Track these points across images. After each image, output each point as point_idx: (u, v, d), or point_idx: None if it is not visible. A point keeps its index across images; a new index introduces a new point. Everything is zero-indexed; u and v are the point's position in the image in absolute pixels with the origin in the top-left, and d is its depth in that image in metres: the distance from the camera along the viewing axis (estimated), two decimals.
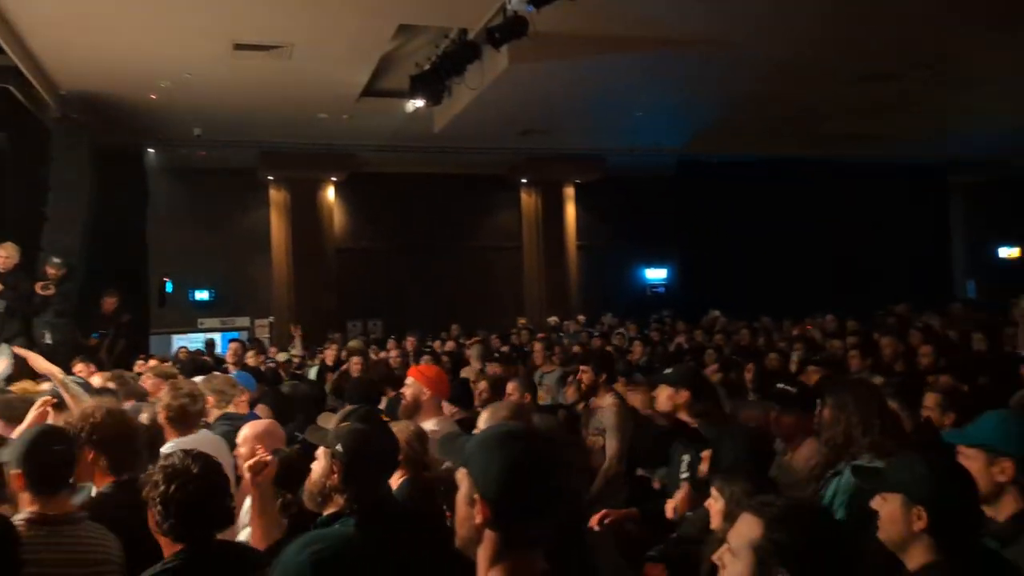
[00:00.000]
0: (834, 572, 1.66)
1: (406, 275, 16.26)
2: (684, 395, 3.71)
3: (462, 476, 1.66)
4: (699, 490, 3.12)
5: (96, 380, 5.66)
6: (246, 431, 3.41)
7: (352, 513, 2.49)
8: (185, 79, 10.20)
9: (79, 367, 6.68)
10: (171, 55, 9.39)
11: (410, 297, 15.94)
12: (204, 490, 2.36)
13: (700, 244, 16.35)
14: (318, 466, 2.60)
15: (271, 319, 15.53)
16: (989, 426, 2.53)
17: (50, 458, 2.53)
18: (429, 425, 3.87)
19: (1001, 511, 2.38)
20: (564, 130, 13.32)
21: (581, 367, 5.59)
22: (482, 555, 1.61)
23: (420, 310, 15.29)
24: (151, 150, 13.80)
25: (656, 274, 18.20)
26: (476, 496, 1.61)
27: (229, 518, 2.50)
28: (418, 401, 4.16)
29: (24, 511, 2.51)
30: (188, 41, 8.98)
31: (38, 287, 9.02)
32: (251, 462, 2.87)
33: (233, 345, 8.79)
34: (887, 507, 2.12)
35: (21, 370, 7.66)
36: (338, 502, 2.52)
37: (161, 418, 3.83)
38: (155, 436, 3.71)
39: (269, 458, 2.89)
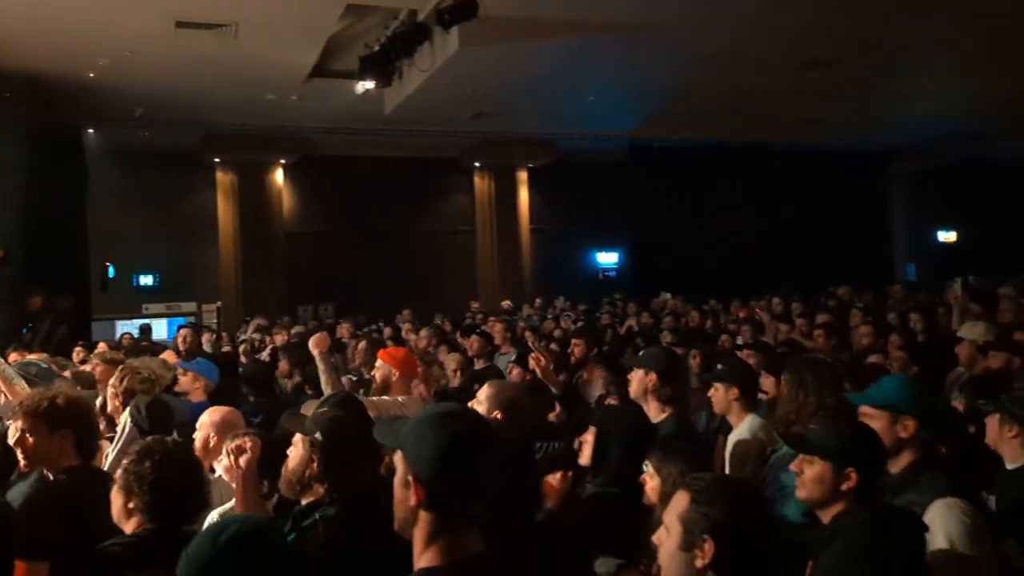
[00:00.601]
0: (758, 542, 1.73)
1: (358, 259, 16.10)
2: (652, 379, 3.65)
3: (398, 459, 1.66)
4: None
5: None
6: (205, 417, 3.35)
7: (332, 502, 2.45)
8: (125, 57, 9.90)
9: (13, 356, 6.48)
10: (110, 32, 9.10)
11: (363, 281, 15.79)
12: (183, 471, 2.34)
13: (650, 228, 16.54)
14: (296, 453, 2.55)
15: (219, 304, 15.26)
16: (890, 388, 2.85)
17: None
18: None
19: (896, 464, 2.67)
20: (516, 113, 13.29)
21: (573, 340, 5.72)
22: (418, 536, 1.61)
23: (373, 294, 15.18)
24: (91, 130, 13.41)
25: (608, 258, 18.34)
26: (410, 478, 1.61)
27: (205, 502, 2.45)
28: (387, 382, 4.24)
29: None
30: (128, 17, 8.70)
31: None
32: (232, 445, 2.80)
33: (183, 331, 8.36)
34: (813, 469, 2.31)
35: None
36: (317, 491, 2.48)
37: (116, 403, 3.74)
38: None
39: (250, 442, 2.80)
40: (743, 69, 11.03)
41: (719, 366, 4.14)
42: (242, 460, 2.75)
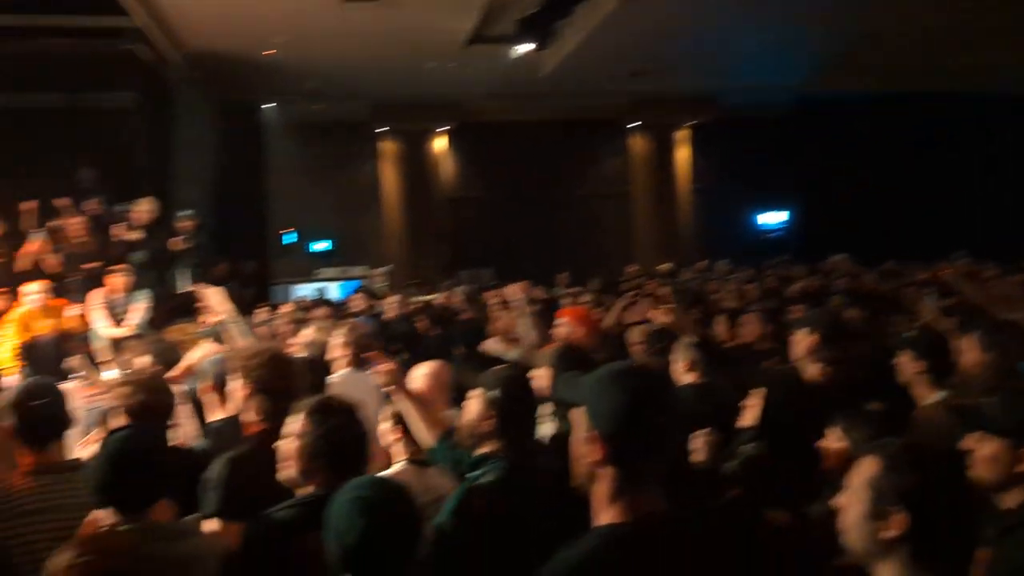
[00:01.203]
0: (955, 515, 1.55)
1: (515, 224, 16.26)
2: (814, 339, 3.47)
3: (579, 415, 1.64)
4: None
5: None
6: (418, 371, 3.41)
7: (503, 458, 2.48)
8: (298, 33, 10.41)
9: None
10: (284, 9, 9.59)
11: (519, 246, 15.95)
12: (359, 433, 2.30)
13: (819, 186, 15.60)
14: (472, 408, 2.59)
15: (387, 268, 15.92)
16: None
17: (34, 414, 2.53)
18: None
19: None
20: (676, 69, 12.87)
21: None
22: (598, 492, 1.59)
23: (529, 259, 15.29)
24: (268, 106, 14.27)
25: (773, 218, 17.52)
26: (592, 434, 1.58)
27: (365, 463, 2.38)
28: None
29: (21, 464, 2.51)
30: None
31: (171, 241, 9.53)
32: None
33: (356, 296, 8.75)
34: (988, 447, 2.04)
35: (160, 317, 8.19)
36: (491, 444, 2.52)
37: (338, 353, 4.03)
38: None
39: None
40: (921, 8, 10.09)
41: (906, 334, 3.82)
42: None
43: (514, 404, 2.52)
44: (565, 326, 4.33)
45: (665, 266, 14.30)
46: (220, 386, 3.21)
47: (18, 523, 2.33)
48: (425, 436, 2.76)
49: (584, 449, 1.61)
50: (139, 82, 11.09)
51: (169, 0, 9.23)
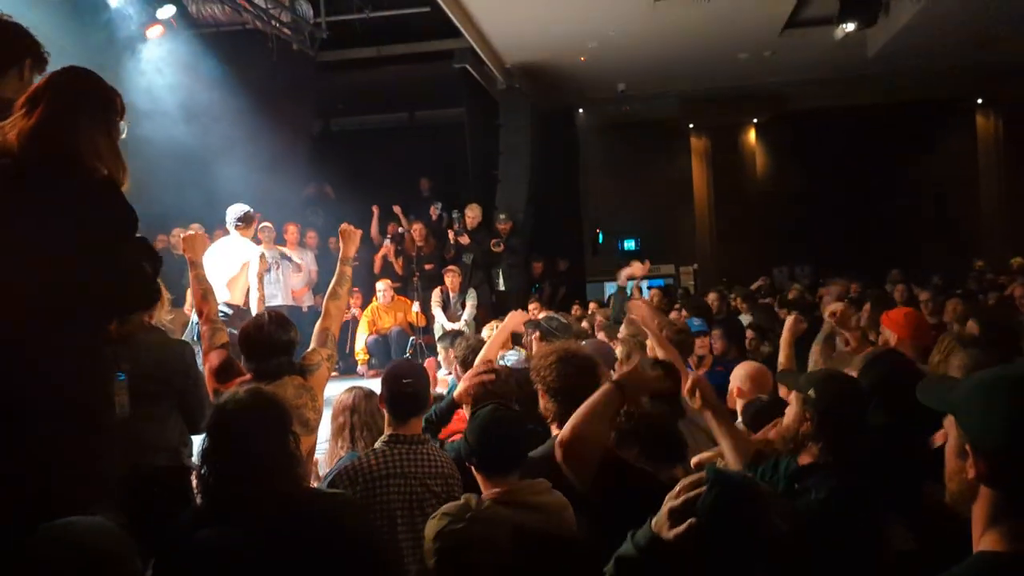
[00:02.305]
0: None
1: (837, 217, 15.13)
2: None
3: (950, 424, 1.47)
4: None
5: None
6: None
7: (827, 465, 2.31)
8: (610, 37, 10.64)
9: (532, 306, 7.51)
10: (596, 15, 9.85)
11: (843, 241, 14.83)
12: None
13: None
14: (790, 411, 2.47)
15: (695, 266, 15.72)
16: None
17: (400, 391, 2.84)
18: None
19: None
20: None
21: None
22: (977, 514, 1.41)
23: (854, 254, 14.17)
24: (580, 110, 14.79)
25: None
26: (968, 447, 1.40)
27: None
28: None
29: (384, 434, 2.89)
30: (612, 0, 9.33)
31: (492, 243, 10.28)
32: None
33: (653, 292, 8.86)
34: None
35: (486, 313, 8.86)
36: (812, 451, 2.36)
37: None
38: None
39: None
40: None
41: None
42: None
43: (832, 406, 2.33)
44: (884, 335, 3.88)
45: (1018, 260, 12.46)
46: None
47: (376, 485, 2.71)
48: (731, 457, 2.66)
49: (957, 464, 1.43)
50: (468, 98, 12.12)
51: (493, 18, 9.92)
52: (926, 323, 3.96)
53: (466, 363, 3.84)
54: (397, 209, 10.59)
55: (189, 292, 5.59)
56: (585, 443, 2.24)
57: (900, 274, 11.43)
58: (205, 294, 3.39)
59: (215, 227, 7.44)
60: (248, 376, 3.02)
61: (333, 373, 6.53)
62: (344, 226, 3.64)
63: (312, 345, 3.30)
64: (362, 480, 2.68)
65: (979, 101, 14.47)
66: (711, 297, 8.53)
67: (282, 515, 1.96)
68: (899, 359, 2.99)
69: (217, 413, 2.11)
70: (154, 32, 8.30)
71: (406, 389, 2.83)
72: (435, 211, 10.84)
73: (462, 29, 9.67)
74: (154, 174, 6.95)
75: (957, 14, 9.53)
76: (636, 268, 5.93)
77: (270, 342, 3.02)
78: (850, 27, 9.50)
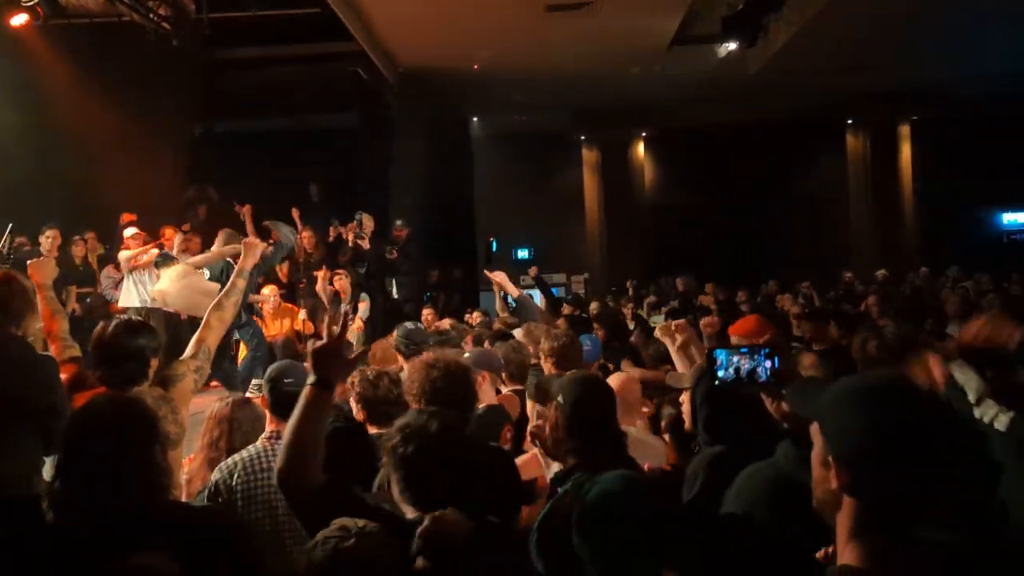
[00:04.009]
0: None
1: (719, 229, 15.74)
2: None
3: (815, 432, 1.49)
4: None
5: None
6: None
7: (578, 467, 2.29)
8: (504, 46, 10.69)
9: (427, 312, 7.42)
10: (491, 23, 9.89)
11: (725, 252, 15.42)
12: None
13: None
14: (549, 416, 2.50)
15: (585, 275, 15.98)
16: None
17: (282, 391, 2.83)
18: None
19: None
20: (898, 62, 11.88)
21: None
22: (841, 524, 1.42)
23: (735, 265, 14.75)
24: (475, 119, 14.81)
25: (1015, 218, 15.72)
26: (831, 457, 1.43)
27: None
28: None
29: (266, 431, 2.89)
30: (505, 8, 9.38)
31: (386, 250, 10.10)
32: None
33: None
34: None
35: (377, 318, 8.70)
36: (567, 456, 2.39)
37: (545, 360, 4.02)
38: None
39: None
40: None
41: None
42: None
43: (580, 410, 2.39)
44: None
45: (881, 272, 13.27)
46: None
47: (256, 478, 2.76)
48: None
49: (821, 472, 1.46)
50: (359, 103, 11.91)
51: (387, 20, 9.79)
52: (769, 327, 4.00)
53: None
54: (295, 213, 10.25)
55: None
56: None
57: (776, 286, 11.98)
58: (53, 314, 3.30)
59: (76, 228, 7.01)
60: (101, 388, 2.86)
61: (213, 383, 6.30)
62: (250, 238, 3.54)
63: (184, 355, 3.15)
64: (242, 472, 2.72)
65: (849, 122, 15.35)
66: (593, 306, 8.71)
67: (141, 531, 1.83)
68: None
69: (71, 423, 1.98)
70: (18, 20, 7.76)
71: (286, 388, 2.81)
72: (333, 231, 10.46)
73: (352, 31, 9.51)
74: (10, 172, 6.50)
75: (828, 40, 10.09)
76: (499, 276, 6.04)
77: (119, 348, 2.90)
78: (732, 46, 9.92)
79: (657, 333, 3.57)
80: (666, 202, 16.21)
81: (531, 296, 12.96)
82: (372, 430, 3.18)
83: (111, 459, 1.87)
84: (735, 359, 2.53)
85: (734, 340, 3.77)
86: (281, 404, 2.80)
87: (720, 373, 2.49)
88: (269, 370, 3.05)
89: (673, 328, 3.36)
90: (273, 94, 12.09)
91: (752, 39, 9.61)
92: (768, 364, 2.48)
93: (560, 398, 2.44)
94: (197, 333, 3.24)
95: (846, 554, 1.41)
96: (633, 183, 15.67)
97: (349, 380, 3.15)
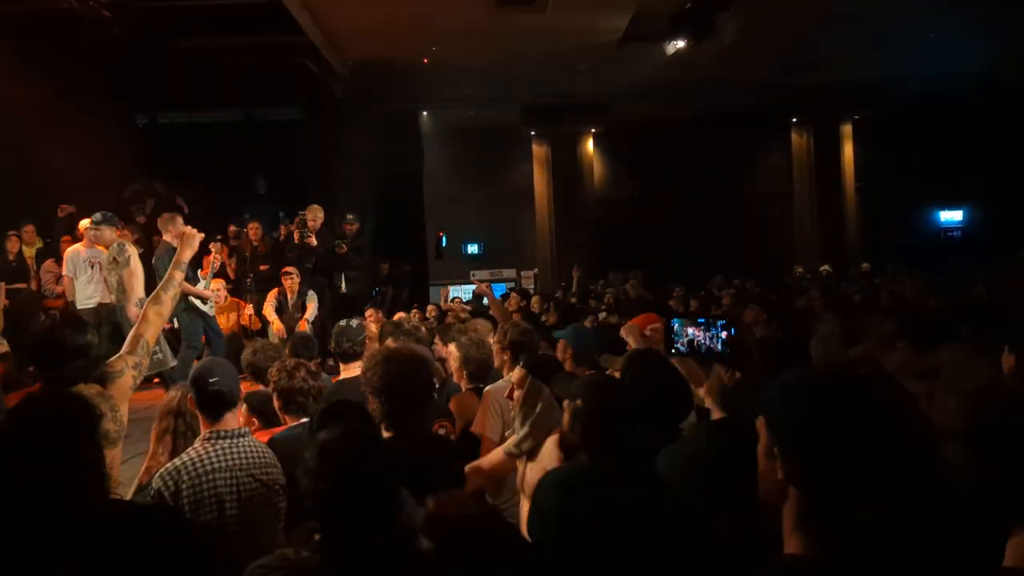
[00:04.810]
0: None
1: (668, 225, 15.94)
2: (1010, 361, 3.01)
3: (761, 425, 1.51)
4: None
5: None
6: None
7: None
8: (454, 40, 10.64)
9: (369, 312, 7.34)
10: (442, 17, 9.82)
11: (673, 248, 15.61)
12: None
13: (1007, 180, 14.28)
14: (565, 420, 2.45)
15: (535, 271, 16.02)
16: None
17: (208, 390, 2.80)
18: None
19: None
20: (840, 61, 12.15)
21: None
22: (786, 514, 1.45)
23: (683, 260, 14.94)
24: (425, 113, 14.71)
25: (952, 216, 16.24)
26: (776, 449, 1.45)
27: None
28: None
29: (203, 432, 2.83)
30: (455, 2, 9.33)
31: (335, 244, 9.97)
32: None
33: (513, 295, 8.94)
34: None
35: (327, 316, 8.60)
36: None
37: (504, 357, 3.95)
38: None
39: None
40: None
41: None
42: None
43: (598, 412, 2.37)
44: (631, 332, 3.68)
45: (824, 268, 13.60)
46: None
47: (202, 481, 2.67)
48: None
49: (767, 464, 1.48)
50: (307, 95, 11.73)
51: (335, 12, 9.66)
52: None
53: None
54: (179, 201, 10.06)
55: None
56: None
57: (722, 279, 12.16)
58: None
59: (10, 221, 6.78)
60: (36, 386, 2.77)
61: (155, 380, 6.15)
62: (186, 229, 3.45)
63: (122, 351, 3.06)
64: (187, 477, 2.65)
65: (794, 120, 15.66)
66: (535, 300, 8.77)
67: (77, 533, 1.77)
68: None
69: (8, 421, 1.92)
70: None
71: (212, 387, 2.78)
72: (284, 229, 10.25)
73: (300, 22, 9.36)
74: None
75: (770, 40, 10.28)
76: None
77: (61, 346, 2.80)
78: (680, 44, 10.00)
79: (622, 332, 3.58)
80: (615, 197, 16.34)
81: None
82: (288, 421, 3.33)
83: (52, 458, 1.82)
84: (690, 330, 2.56)
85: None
86: (210, 403, 2.79)
87: (677, 344, 2.50)
88: (193, 370, 2.97)
89: (648, 333, 3.38)
90: (219, 85, 11.83)
91: (699, 37, 9.72)
92: (724, 335, 2.51)
93: (578, 400, 2.36)
94: (134, 328, 3.15)
95: (791, 543, 1.44)
96: (583, 178, 15.75)
97: (269, 371, 3.35)
